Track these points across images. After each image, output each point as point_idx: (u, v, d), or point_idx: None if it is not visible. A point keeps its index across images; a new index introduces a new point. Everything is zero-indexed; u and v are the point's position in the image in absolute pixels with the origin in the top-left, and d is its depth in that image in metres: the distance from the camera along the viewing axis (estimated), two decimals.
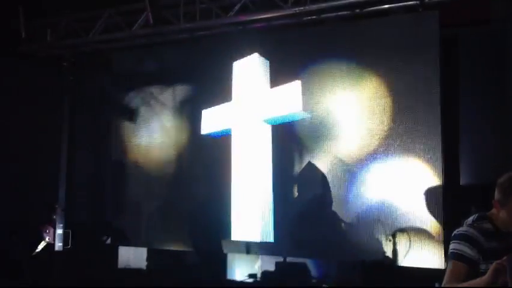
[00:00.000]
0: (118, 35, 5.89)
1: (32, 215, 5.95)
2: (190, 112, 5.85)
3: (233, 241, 5.45)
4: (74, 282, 5.54)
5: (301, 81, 5.16)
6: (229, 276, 5.71)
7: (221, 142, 5.61)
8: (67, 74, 6.30)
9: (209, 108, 5.71)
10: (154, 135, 6.06)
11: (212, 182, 5.67)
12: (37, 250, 5.81)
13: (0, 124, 6.05)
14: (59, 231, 5.89)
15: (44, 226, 5.90)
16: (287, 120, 5.26)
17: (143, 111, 6.16)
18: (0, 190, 5.86)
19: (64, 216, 5.97)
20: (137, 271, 6.01)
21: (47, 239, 5.86)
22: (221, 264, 5.74)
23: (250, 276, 5.60)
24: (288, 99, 5.20)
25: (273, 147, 5.35)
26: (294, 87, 5.17)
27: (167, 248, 5.86)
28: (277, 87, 5.29)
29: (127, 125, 6.23)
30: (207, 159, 5.72)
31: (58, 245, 5.87)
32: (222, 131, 5.60)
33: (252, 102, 5.47)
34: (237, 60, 5.59)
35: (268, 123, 5.35)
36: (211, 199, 5.68)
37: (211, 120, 5.70)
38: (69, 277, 5.67)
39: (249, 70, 5.50)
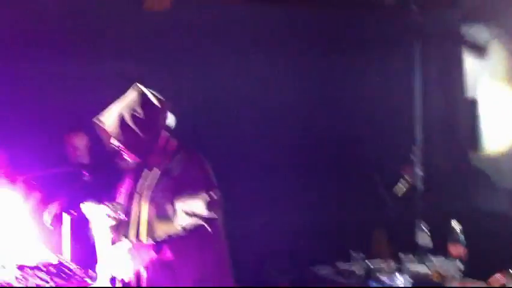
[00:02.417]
0: None
1: (390, 157, 6.21)
2: None
3: None
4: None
5: None
6: None
7: None
8: (416, 17, 6.29)
9: None
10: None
11: None
12: (398, 191, 5.99)
13: (355, 77, 6.43)
14: (418, 171, 5.97)
15: (404, 167, 6.05)
16: None
17: (492, 45, 5.88)
18: (361, 133, 6.30)
19: (421, 156, 6.03)
20: None
21: (407, 180, 5.98)
22: None
23: None
24: None
25: None
26: None
27: None
28: None
29: (478, 61, 6.02)
30: None
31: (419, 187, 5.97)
32: None
33: None
34: None
35: None
36: None
37: None
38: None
39: None
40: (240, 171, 6.00)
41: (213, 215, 2.70)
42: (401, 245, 4.55)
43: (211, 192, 2.75)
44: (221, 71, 6.17)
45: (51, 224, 3.48)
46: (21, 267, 2.95)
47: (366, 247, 4.84)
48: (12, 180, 3.11)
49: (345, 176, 6.50)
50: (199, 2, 5.86)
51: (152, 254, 2.56)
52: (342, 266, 4.43)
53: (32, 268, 2.95)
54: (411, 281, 3.95)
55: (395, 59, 6.42)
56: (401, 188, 5.96)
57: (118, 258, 2.54)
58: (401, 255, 4.34)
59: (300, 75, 6.61)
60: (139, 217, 2.85)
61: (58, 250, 3.61)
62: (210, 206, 2.71)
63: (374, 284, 3.96)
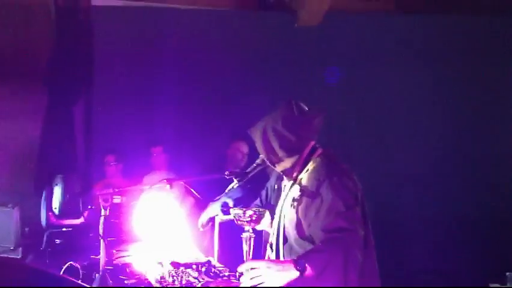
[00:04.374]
0: None
1: None
2: None
3: None
4: None
5: None
6: None
7: None
8: None
9: None
10: None
11: None
12: None
13: None
14: None
15: None
16: None
17: None
18: None
19: None
20: None
21: None
22: None
23: None
24: None
25: None
26: None
27: None
28: None
29: None
30: None
31: None
32: None
33: None
34: None
35: None
36: None
37: None
38: None
39: None
40: (386, 184, 5.89)
41: (353, 228, 2.59)
42: None
43: (351, 206, 2.64)
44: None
45: (202, 227, 3.70)
46: (174, 265, 3.18)
47: None
48: (172, 184, 3.34)
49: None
50: (347, 15, 5.95)
51: (294, 272, 2.44)
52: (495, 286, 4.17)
53: (184, 266, 3.17)
54: None
55: None
56: None
57: (259, 274, 2.45)
58: None
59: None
60: (278, 228, 2.87)
61: (208, 251, 3.85)
62: (350, 220, 2.60)
63: None
